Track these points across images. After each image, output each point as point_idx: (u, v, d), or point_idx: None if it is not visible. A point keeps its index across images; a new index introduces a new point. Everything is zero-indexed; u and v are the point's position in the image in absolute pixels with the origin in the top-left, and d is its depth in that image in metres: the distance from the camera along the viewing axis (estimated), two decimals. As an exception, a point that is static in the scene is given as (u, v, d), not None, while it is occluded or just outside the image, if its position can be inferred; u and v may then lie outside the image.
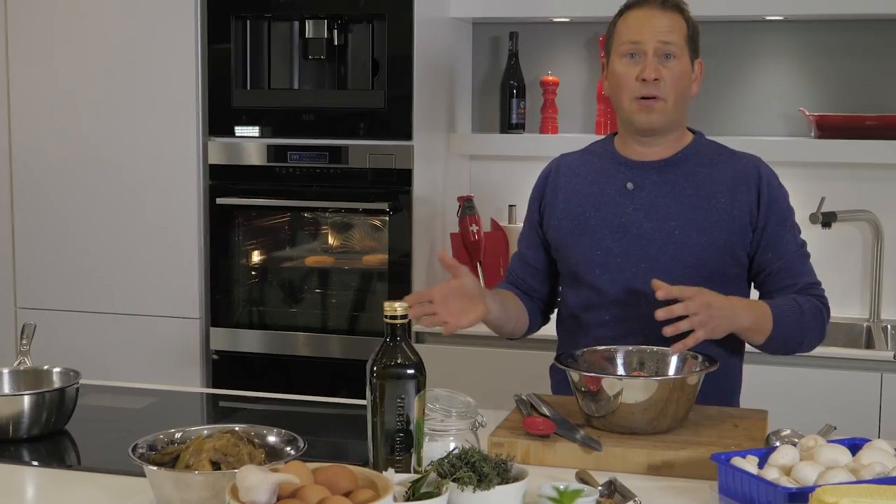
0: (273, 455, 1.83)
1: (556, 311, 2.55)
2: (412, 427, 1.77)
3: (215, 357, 3.70)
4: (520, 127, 3.83)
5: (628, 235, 2.34)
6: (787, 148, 3.58)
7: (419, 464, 1.78)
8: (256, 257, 3.76)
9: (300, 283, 3.73)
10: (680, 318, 2.09)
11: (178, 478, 1.71)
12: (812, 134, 3.59)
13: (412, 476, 1.68)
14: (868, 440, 1.85)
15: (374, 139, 3.52)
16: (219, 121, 3.64)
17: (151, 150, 3.65)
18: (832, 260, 3.68)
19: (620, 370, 2.25)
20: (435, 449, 1.83)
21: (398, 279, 3.54)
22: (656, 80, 2.30)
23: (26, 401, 2.17)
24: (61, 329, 3.73)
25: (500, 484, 1.68)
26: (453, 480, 1.65)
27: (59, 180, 3.75)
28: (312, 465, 1.60)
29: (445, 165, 3.75)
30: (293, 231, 3.76)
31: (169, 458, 1.80)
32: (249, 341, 3.67)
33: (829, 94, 3.69)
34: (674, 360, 2.23)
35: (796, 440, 1.92)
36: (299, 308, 3.69)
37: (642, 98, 2.32)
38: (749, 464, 1.78)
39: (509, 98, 3.82)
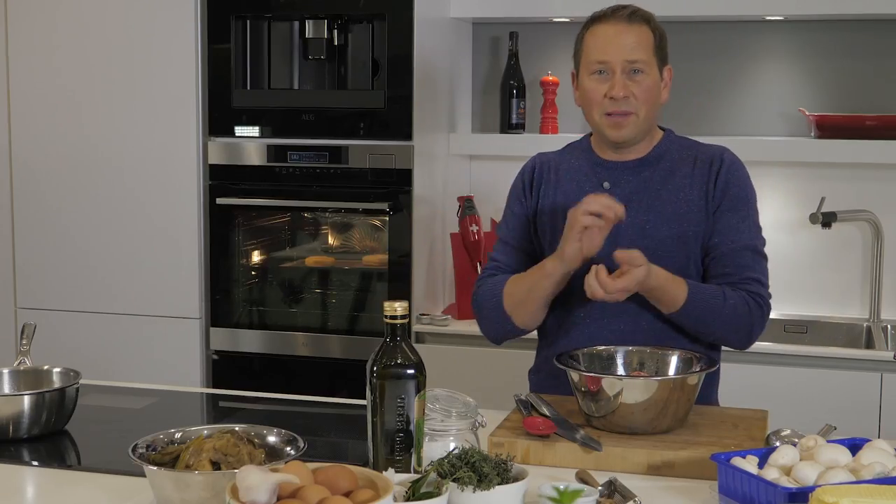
0: (273, 455, 1.83)
1: None
2: (412, 427, 1.77)
3: (215, 357, 3.70)
4: (520, 127, 3.83)
5: None
6: (787, 148, 3.58)
7: (419, 464, 1.78)
8: (256, 257, 3.76)
9: (300, 283, 3.73)
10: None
11: (178, 478, 1.71)
12: (812, 134, 3.59)
13: (412, 476, 1.68)
14: (868, 440, 1.85)
15: (374, 139, 3.52)
16: (219, 121, 3.64)
17: (151, 150, 3.65)
18: (832, 260, 3.68)
19: (620, 370, 2.25)
20: (435, 449, 1.83)
21: (398, 279, 3.54)
22: (625, 97, 2.34)
23: (26, 401, 2.17)
24: (61, 329, 3.73)
25: (500, 484, 1.68)
26: (453, 480, 1.65)
27: (59, 180, 3.75)
28: (312, 465, 1.60)
29: (445, 165, 3.75)
30: (293, 231, 3.76)
31: (169, 458, 1.80)
32: (249, 341, 3.67)
33: (829, 94, 3.69)
34: (674, 361, 2.23)
35: (796, 440, 1.92)
36: (299, 308, 3.70)
37: (611, 114, 2.36)
38: (749, 464, 1.78)
39: (509, 98, 3.82)
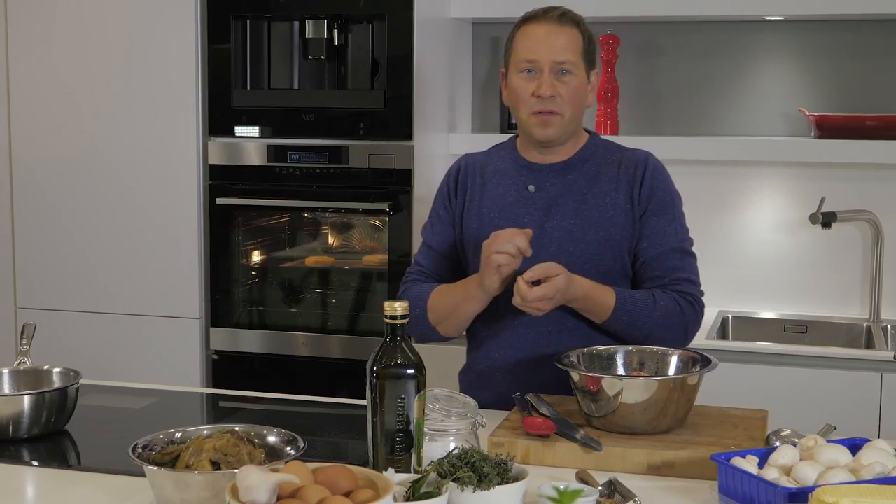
0: (273, 455, 1.83)
1: None
2: (412, 427, 1.77)
3: (215, 357, 3.70)
4: (520, 127, 3.82)
5: None
6: (787, 148, 3.58)
7: (419, 464, 1.78)
8: (256, 257, 3.76)
9: (300, 283, 3.73)
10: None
11: (178, 478, 1.71)
12: (812, 134, 3.59)
13: (412, 476, 1.68)
14: (868, 440, 1.85)
15: (374, 139, 3.52)
16: (219, 121, 3.64)
17: (151, 150, 3.66)
18: (832, 260, 3.68)
19: (620, 370, 2.25)
20: (435, 449, 1.83)
21: (398, 279, 3.50)
22: (552, 96, 2.36)
23: (26, 401, 2.17)
24: (61, 329, 3.73)
25: (500, 484, 1.68)
26: (453, 480, 1.65)
27: (59, 180, 3.75)
28: (312, 465, 1.60)
29: (445, 165, 3.74)
30: (293, 231, 3.76)
31: (169, 458, 1.80)
32: (249, 341, 3.67)
33: (829, 94, 3.69)
34: (674, 360, 2.23)
35: (796, 440, 1.92)
36: (299, 308, 3.70)
37: (539, 112, 2.37)
38: (749, 464, 1.78)
39: (509, 98, 3.81)
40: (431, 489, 1.63)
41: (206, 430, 1.86)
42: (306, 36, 3.61)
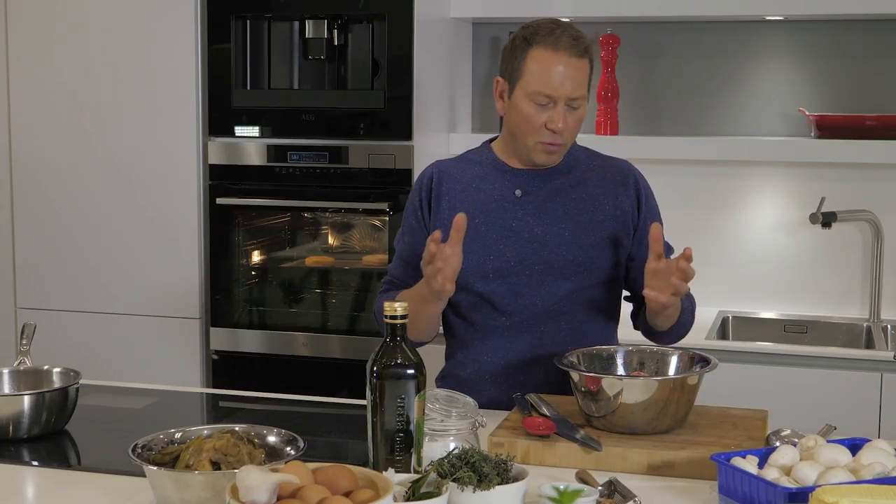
0: (273, 455, 1.83)
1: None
2: (412, 427, 1.77)
3: (215, 357, 3.70)
4: (520, 127, 3.82)
5: (520, 240, 2.40)
6: (787, 148, 3.58)
7: (419, 464, 1.78)
8: (256, 257, 3.76)
9: (300, 283, 3.73)
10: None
11: (178, 478, 1.71)
12: (812, 134, 3.59)
13: (412, 476, 1.68)
14: (868, 440, 1.85)
15: (374, 139, 3.52)
16: (219, 121, 3.64)
17: (151, 150, 3.66)
18: (832, 260, 3.68)
19: (620, 370, 2.25)
20: (435, 449, 1.83)
21: (398, 279, 3.54)
22: (563, 129, 2.34)
23: (26, 401, 2.17)
24: (61, 329, 3.73)
25: (500, 484, 1.68)
26: (453, 480, 1.65)
27: (59, 180, 3.75)
28: (312, 465, 1.60)
29: (445, 165, 3.75)
30: (293, 231, 3.76)
31: (169, 458, 1.80)
32: (249, 341, 3.67)
33: (829, 94, 3.69)
34: (674, 360, 2.23)
35: (796, 440, 1.92)
36: (299, 308, 3.70)
37: (548, 143, 2.36)
38: (749, 464, 1.78)
39: (509, 98, 3.81)
40: (431, 489, 1.63)
41: (206, 430, 1.87)
42: (306, 36, 3.61)
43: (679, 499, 1.85)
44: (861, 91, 3.67)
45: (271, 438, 1.88)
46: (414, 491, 1.63)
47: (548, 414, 2.08)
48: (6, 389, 2.32)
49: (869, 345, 3.53)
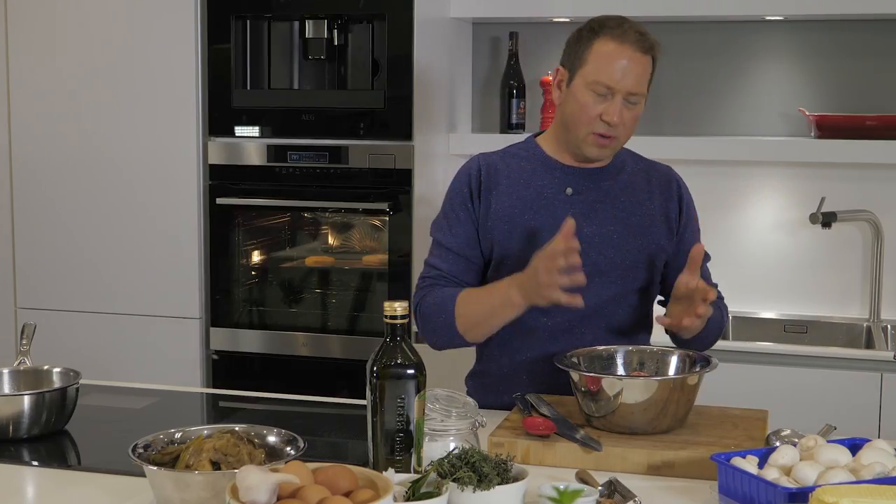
0: (273, 455, 1.83)
1: None
2: (412, 427, 1.77)
3: (215, 357, 3.71)
4: (520, 127, 3.83)
5: None
6: (787, 148, 3.58)
7: (419, 464, 1.78)
8: (256, 257, 3.76)
9: (300, 283, 3.73)
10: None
11: (178, 478, 1.71)
12: (812, 134, 3.59)
13: (412, 476, 1.68)
14: (868, 440, 1.85)
15: (374, 139, 3.52)
16: (219, 121, 3.64)
17: (151, 150, 3.66)
18: (832, 260, 3.68)
19: (620, 370, 2.25)
20: (435, 449, 1.83)
21: (398, 279, 3.54)
22: (618, 122, 2.32)
23: (26, 401, 2.17)
24: (61, 329, 3.73)
25: (500, 484, 1.68)
26: (453, 480, 1.65)
27: (59, 180, 3.75)
28: (312, 465, 1.60)
29: (445, 165, 3.75)
30: (293, 231, 3.76)
31: (169, 458, 1.80)
32: (249, 341, 3.67)
33: (829, 94, 3.69)
34: (674, 360, 2.23)
35: (796, 440, 1.92)
36: (299, 308, 3.70)
37: (601, 135, 2.33)
38: (749, 464, 1.78)
39: (509, 98, 3.82)
40: (431, 489, 1.63)
41: (206, 430, 1.86)
42: (306, 36, 3.61)
43: (679, 499, 1.85)
44: (861, 91, 3.67)
45: (271, 438, 1.87)
46: (414, 491, 1.63)
47: (548, 414, 2.08)
48: (6, 389, 2.32)
49: (869, 345, 3.53)
